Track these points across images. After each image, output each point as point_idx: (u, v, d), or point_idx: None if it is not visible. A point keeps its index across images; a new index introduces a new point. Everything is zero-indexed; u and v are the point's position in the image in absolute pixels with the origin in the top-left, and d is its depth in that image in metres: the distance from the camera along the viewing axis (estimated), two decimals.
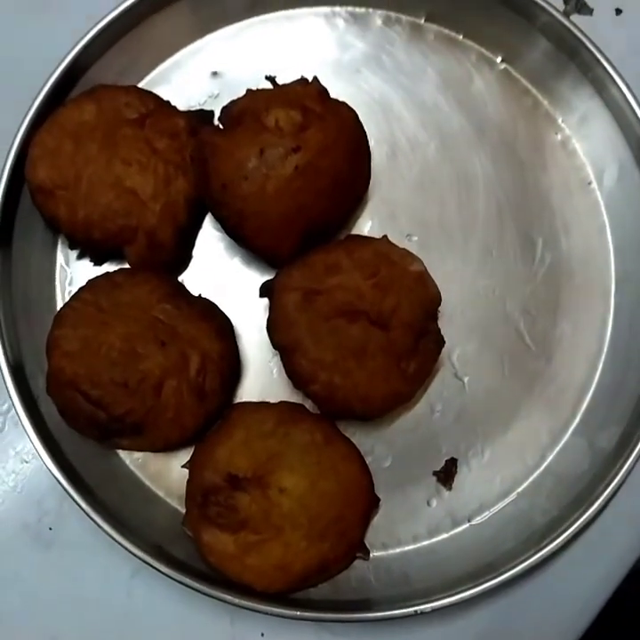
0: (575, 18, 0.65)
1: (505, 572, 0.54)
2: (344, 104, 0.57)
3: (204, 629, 0.57)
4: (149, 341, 0.54)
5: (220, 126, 0.56)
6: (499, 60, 0.64)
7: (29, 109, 0.58)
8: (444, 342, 0.57)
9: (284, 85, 0.58)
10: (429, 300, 0.56)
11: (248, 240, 0.56)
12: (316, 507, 0.53)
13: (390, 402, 0.56)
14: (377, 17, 0.64)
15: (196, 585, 0.53)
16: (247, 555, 0.52)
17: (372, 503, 0.56)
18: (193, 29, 0.64)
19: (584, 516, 0.55)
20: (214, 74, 0.64)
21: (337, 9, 0.65)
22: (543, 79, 0.63)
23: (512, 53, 0.64)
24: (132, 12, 0.60)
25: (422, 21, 0.64)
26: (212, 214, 0.58)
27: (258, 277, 0.60)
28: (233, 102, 0.56)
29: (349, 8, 0.65)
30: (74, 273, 0.61)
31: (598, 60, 0.59)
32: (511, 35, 0.63)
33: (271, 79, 0.61)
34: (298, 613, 0.53)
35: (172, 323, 0.55)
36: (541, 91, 0.64)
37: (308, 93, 0.56)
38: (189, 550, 0.55)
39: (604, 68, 0.59)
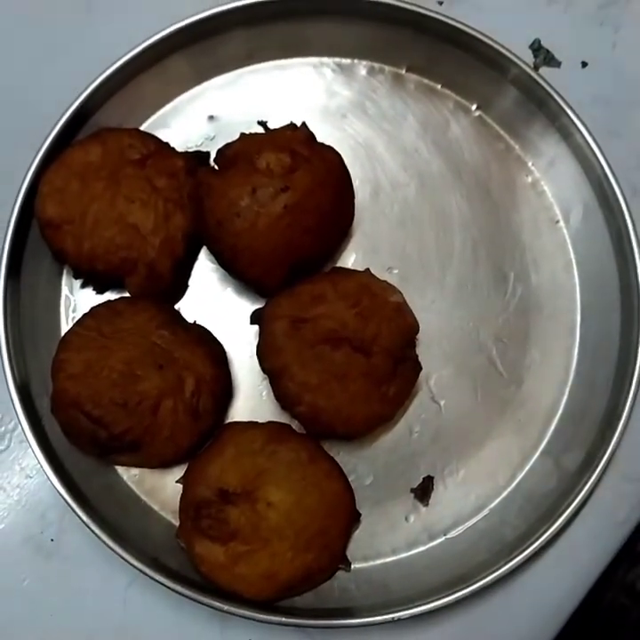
0: (544, 70, 0.69)
1: (477, 582, 0.57)
2: (330, 148, 0.61)
3: (195, 636, 0.60)
4: (148, 365, 0.57)
5: (216, 167, 0.60)
6: (474, 107, 0.68)
7: (39, 150, 0.61)
8: (422, 368, 0.60)
9: (274, 130, 0.61)
10: (408, 328, 0.60)
11: (240, 272, 0.60)
12: (302, 520, 0.56)
13: (371, 423, 0.59)
14: (362, 67, 0.69)
15: (188, 593, 0.55)
16: (236, 564, 0.55)
17: (354, 518, 0.59)
18: (191, 77, 0.68)
19: (550, 531, 0.58)
20: (211, 118, 0.68)
21: (325, 59, 0.69)
22: (514, 126, 0.68)
23: (486, 102, 0.68)
24: (135, 62, 0.64)
25: (403, 72, 0.69)
26: (208, 248, 0.61)
27: (249, 306, 0.63)
28: (227, 145, 0.60)
29: (336, 59, 0.69)
30: (77, 301, 0.65)
31: (564, 110, 0.63)
32: (485, 85, 0.67)
33: (263, 124, 0.65)
34: (284, 620, 0.55)
35: (169, 348, 0.58)
36: (513, 136, 0.68)
37: (297, 138, 0.60)
38: (182, 561, 0.57)
39: (569, 117, 0.63)
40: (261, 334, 0.59)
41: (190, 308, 0.64)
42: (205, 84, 0.69)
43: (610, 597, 0.73)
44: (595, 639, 0.68)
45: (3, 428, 0.63)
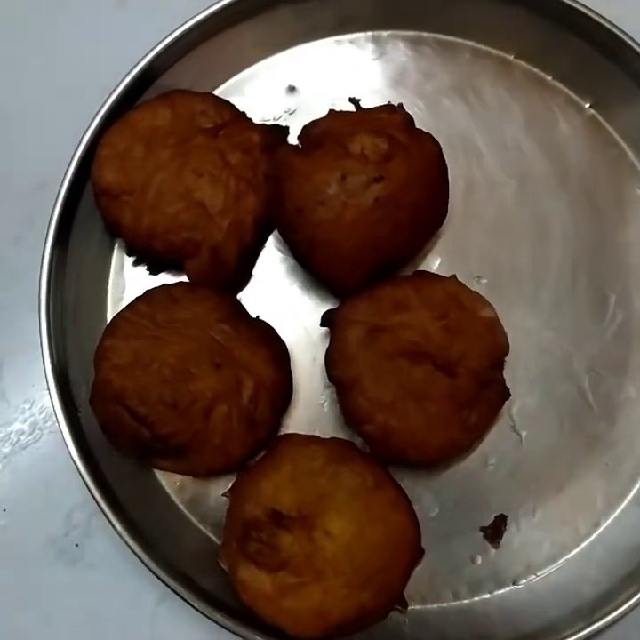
0: None
1: None
2: (429, 136, 0.54)
3: None
4: (204, 362, 0.52)
5: (298, 145, 0.54)
6: (587, 105, 0.62)
7: (100, 108, 0.56)
8: (510, 394, 0.54)
9: (368, 110, 0.55)
10: (498, 348, 0.54)
11: (316, 267, 0.54)
12: (362, 555, 0.50)
13: (447, 452, 0.53)
14: (466, 48, 0.62)
15: (227, 623, 0.50)
16: (284, 597, 0.49)
17: (418, 556, 0.53)
18: (274, 42, 0.62)
19: (638, 595, 0.52)
20: (291, 89, 0.62)
21: (425, 35, 0.62)
22: (631, 130, 0.61)
23: (601, 100, 0.61)
24: (215, 19, 0.58)
25: (512, 58, 0.62)
26: (282, 237, 0.55)
27: (318, 304, 0.58)
28: (314, 122, 0.54)
29: (438, 36, 0.62)
30: (128, 281, 0.59)
31: None
32: (602, 81, 0.60)
33: (355, 102, 0.59)
34: None
35: (229, 345, 0.53)
36: (628, 142, 0.61)
37: (394, 122, 0.53)
38: (220, 583, 0.52)
39: None
40: (333, 339, 0.53)
41: (251, 299, 0.59)
42: (289, 51, 0.63)
43: None
44: None
45: (33, 418, 0.58)
